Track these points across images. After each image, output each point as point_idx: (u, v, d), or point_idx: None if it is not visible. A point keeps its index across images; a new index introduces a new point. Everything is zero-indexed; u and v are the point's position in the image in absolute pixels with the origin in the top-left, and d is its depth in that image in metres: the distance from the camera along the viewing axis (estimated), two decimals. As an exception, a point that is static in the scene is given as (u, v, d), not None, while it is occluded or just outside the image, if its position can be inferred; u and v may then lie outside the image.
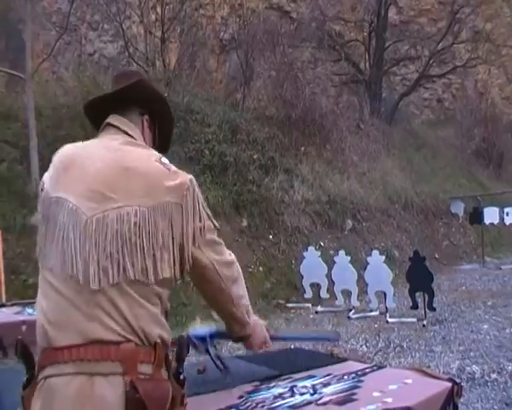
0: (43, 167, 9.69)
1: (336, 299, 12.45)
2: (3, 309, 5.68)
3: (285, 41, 20.39)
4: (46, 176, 2.42)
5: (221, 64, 23.46)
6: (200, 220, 2.28)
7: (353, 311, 12.01)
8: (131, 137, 2.43)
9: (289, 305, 13.08)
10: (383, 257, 12.03)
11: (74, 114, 14.20)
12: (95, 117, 2.66)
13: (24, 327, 4.99)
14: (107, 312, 2.08)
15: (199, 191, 2.33)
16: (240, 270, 2.54)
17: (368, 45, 23.73)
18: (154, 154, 2.37)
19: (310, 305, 12.86)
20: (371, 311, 11.84)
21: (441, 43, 24.23)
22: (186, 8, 19.65)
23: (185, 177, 2.31)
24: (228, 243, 8.42)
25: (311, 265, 12.91)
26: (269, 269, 13.89)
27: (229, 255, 2.49)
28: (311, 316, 12.26)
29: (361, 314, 11.85)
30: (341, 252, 12.75)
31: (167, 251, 2.18)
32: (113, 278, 2.10)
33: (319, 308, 12.56)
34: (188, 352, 2.36)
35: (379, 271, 11.62)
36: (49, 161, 7.93)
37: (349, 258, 12.54)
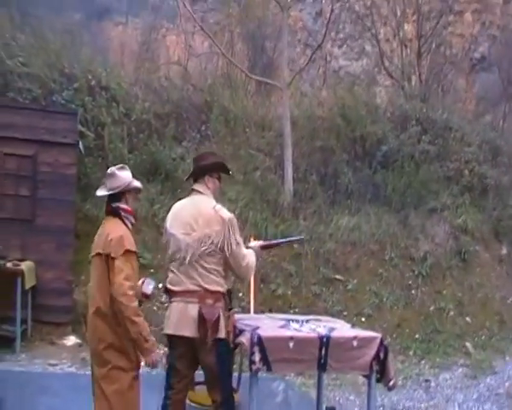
0: (298, 178, 9.53)
1: None
2: (266, 321, 5.30)
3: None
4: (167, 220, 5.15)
5: (470, 84, 22.24)
6: (233, 239, 4.77)
7: None
8: (202, 193, 4.98)
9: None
10: None
11: (330, 125, 13.97)
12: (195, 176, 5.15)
13: (291, 344, 4.69)
14: (192, 278, 4.74)
15: (233, 224, 4.81)
16: (250, 262, 4.96)
17: None
18: (213, 204, 4.90)
19: None
20: None
21: None
22: (437, 24, 18.77)
23: (225, 217, 4.80)
24: (486, 271, 10.52)
25: None
26: (528, 304, 12.69)
27: (242, 258, 4.88)
28: None
29: None
30: None
31: (212, 249, 4.73)
32: (191, 262, 4.75)
33: None
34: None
35: None
36: (304, 171, 10.54)
37: None
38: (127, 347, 4.60)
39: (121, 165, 5.01)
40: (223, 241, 4.72)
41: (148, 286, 4.87)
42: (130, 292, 4.46)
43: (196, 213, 4.84)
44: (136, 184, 4.91)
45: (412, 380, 9.45)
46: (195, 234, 4.75)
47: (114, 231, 4.66)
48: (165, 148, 12.28)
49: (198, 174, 5.06)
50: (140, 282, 4.88)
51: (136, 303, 4.50)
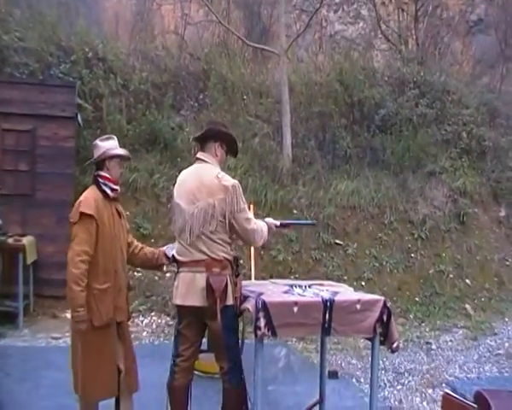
0: (297, 144, 9.53)
1: None
2: (270, 287, 5.34)
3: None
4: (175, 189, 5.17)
5: (466, 46, 22.12)
6: (236, 206, 4.77)
7: None
8: (207, 161, 4.98)
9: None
10: None
11: (327, 90, 13.95)
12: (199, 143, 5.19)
13: (296, 308, 4.65)
14: (198, 248, 4.80)
15: (237, 191, 4.80)
16: (257, 226, 4.93)
17: None
18: (216, 172, 4.87)
19: None
20: None
21: None
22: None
23: (228, 184, 4.79)
24: (484, 233, 10.42)
25: None
26: (527, 264, 12.75)
27: (247, 222, 4.86)
28: None
29: None
30: None
31: (215, 219, 4.76)
32: (191, 237, 4.81)
33: None
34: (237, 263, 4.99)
35: None
36: (303, 136, 10.38)
37: None
38: (88, 302, 4.73)
39: (107, 135, 5.26)
40: (226, 208, 4.76)
41: (170, 251, 5.23)
42: (77, 258, 4.65)
43: (199, 182, 4.86)
44: (116, 151, 5.08)
45: (413, 343, 9.55)
46: (199, 204, 4.79)
47: (80, 198, 4.92)
48: (163, 117, 12.29)
49: (211, 137, 5.03)
50: (165, 247, 5.42)
51: (80, 270, 4.64)
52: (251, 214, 4.99)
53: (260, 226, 5.01)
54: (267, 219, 5.36)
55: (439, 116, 14.08)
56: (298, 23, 20.99)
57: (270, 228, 5.24)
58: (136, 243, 5.39)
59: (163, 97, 12.70)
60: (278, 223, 5.47)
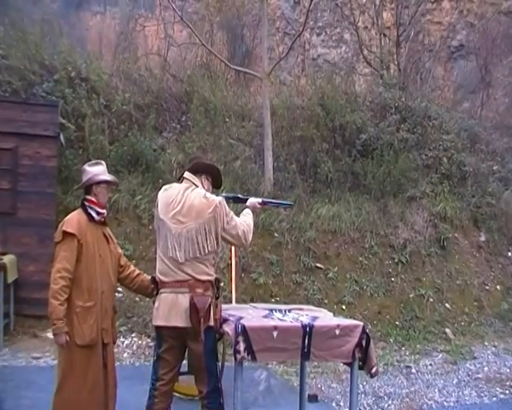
0: (278, 167, 9.53)
1: None
2: (250, 311, 5.36)
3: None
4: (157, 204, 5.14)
5: (448, 72, 22.38)
6: (224, 219, 4.92)
7: None
8: (195, 184, 5.05)
9: (527, 331, 11.94)
10: None
11: (309, 115, 14.00)
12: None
13: (275, 333, 4.69)
14: (183, 269, 4.81)
15: (224, 205, 4.96)
16: (244, 226, 5.10)
17: None
18: (202, 193, 4.98)
19: (549, 335, 11.64)
20: None
21: None
22: (416, 12, 18.86)
23: (216, 201, 4.92)
24: (465, 258, 10.61)
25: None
26: (507, 289, 12.80)
27: (235, 229, 5.03)
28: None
29: None
30: None
31: (207, 240, 4.84)
32: (185, 257, 4.81)
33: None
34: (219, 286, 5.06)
35: None
36: (284, 160, 10.77)
37: None
38: (70, 320, 4.88)
39: (96, 160, 5.53)
40: (217, 225, 4.89)
41: None
42: (57, 274, 4.82)
43: (188, 203, 4.90)
44: (103, 177, 5.25)
45: (393, 367, 9.56)
46: (188, 224, 4.86)
47: (65, 219, 5.16)
48: (145, 139, 12.26)
49: (197, 171, 5.14)
50: None
51: (58, 285, 4.79)
52: (235, 218, 5.08)
53: (246, 224, 5.16)
54: (250, 201, 5.63)
55: (420, 141, 14.19)
56: (281, 46, 21.18)
57: (254, 210, 5.53)
58: (132, 267, 5.50)
59: (145, 119, 12.70)
60: (260, 200, 5.71)
